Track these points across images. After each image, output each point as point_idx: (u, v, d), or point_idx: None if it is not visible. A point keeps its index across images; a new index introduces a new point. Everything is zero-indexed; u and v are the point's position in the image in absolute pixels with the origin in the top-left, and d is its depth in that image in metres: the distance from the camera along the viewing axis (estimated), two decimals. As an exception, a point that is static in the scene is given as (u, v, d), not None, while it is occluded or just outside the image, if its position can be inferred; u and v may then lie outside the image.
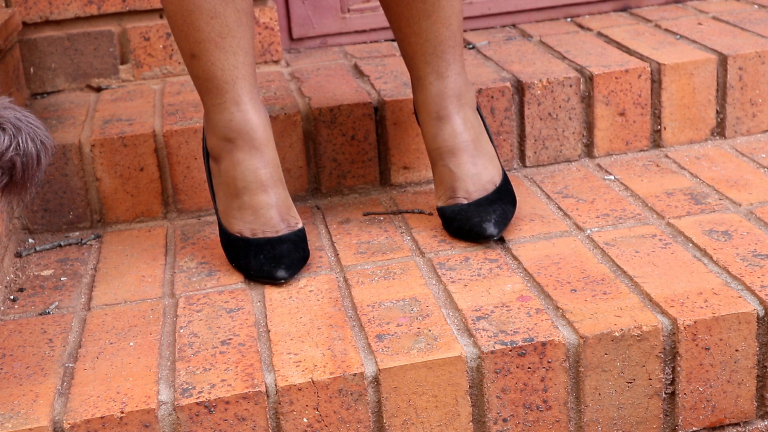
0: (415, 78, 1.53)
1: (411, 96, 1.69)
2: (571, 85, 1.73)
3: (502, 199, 1.50)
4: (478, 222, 1.46)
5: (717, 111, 1.79)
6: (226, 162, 1.45)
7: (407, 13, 1.48)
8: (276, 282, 1.40)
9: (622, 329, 1.22)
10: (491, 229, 1.45)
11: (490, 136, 1.56)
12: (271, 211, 1.44)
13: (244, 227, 1.44)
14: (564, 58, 1.84)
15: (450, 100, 1.51)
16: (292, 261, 1.42)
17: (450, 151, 1.51)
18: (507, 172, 1.73)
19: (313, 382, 1.17)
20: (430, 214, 1.60)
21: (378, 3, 2.09)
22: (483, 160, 1.51)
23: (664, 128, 1.78)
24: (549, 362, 1.21)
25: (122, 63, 1.92)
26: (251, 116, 1.43)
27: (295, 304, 1.35)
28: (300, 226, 1.46)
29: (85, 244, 1.60)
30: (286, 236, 1.44)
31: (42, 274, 1.51)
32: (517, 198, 1.62)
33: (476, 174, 1.50)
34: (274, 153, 1.45)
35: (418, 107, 1.54)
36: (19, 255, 1.57)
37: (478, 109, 1.57)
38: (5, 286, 1.46)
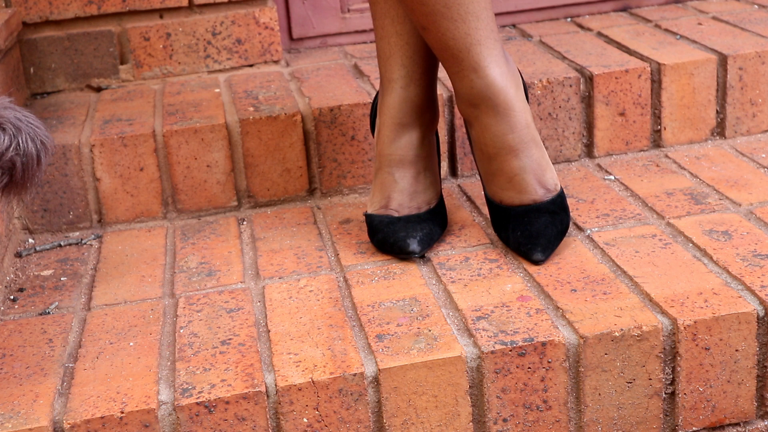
0: (386, 81, 1.49)
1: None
2: (571, 85, 1.73)
3: (433, 220, 1.48)
4: (403, 237, 1.44)
5: (717, 111, 1.79)
6: (476, 128, 1.42)
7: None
8: (536, 263, 1.38)
9: (622, 329, 1.22)
10: (414, 245, 1.43)
11: (439, 158, 1.53)
12: (526, 175, 1.41)
13: (503, 195, 1.42)
14: (564, 58, 1.84)
15: (415, 111, 1.48)
16: (549, 240, 1.39)
17: (400, 161, 1.48)
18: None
19: (313, 382, 1.17)
20: (430, 214, 1.60)
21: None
22: (427, 180, 1.49)
23: (664, 128, 1.78)
24: (549, 362, 1.21)
25: (122, 63, 1.92)
26: (491, 81, 1.38)
27: (295, 304, 1.35)
28: (558, 189, 1.42)
29: (85, 244, 1.60)
30: (544, 205, 1.40)
31: (42, 274, 1.51)
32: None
33: (415, 192, 1.48)
34: (522, 115, 1.40)
35: (380, 111, 1.50)
36: (19, 255, 1.57)
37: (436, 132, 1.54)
38: (5, 286, 1.46)
